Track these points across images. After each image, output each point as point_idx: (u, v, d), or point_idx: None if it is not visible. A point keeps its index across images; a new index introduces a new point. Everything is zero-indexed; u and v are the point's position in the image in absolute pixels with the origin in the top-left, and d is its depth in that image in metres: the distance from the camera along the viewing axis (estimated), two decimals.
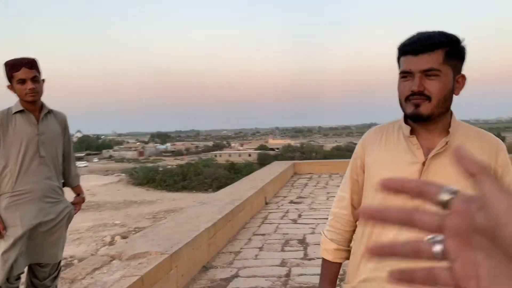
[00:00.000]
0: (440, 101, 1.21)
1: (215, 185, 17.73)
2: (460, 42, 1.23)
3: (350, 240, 1.43)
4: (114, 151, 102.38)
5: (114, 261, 4.03)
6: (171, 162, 39.31)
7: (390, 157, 1.30)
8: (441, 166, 1.23)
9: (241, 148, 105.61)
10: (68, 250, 6.01)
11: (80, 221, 9.02)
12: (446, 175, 1.20)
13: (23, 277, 2.48)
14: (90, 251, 6.82)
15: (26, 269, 2.45)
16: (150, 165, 29.68)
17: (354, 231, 1.41)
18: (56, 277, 2.57)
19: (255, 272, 4.53)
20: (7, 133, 2.36)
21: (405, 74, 1.23)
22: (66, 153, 2.67)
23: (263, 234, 6.15)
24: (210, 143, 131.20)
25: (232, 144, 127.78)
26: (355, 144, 1.40)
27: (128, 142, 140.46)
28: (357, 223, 1.40)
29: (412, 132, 1.28)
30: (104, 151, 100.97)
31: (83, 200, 2.83)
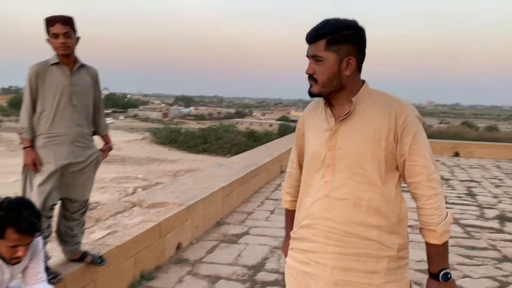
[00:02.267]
0: (325, 82, 1.42)
1: (234, 151, 18.04)
2: (342, 30, 1.39)
3: None
4: (139, 110, 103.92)
5: (135, 207, 4.36)
6: (193, 126, 39.85)
7: (315, 125, 1.52)
8: (347, 130, 1.42)
9: (262, 117, 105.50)
10: (94, 197, 6.39)
11: (105, 172, 9.49)
12: (349, 137, 1.43)
13: (57, 209, 2.78)
14: (113, 199, 7.25)
15: (59, 203, 2.75)
16: (173, 126, 30.20)
17: None
18: (84, 213, 2.86)
19: (265, 231, 4.81)
20: (44, 82, 2.61)
21: (308, 58, 1.45)
22: (96, 104, 2.92)
23: (276, 199, 6.41)
24: (232, 110, 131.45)
25: (254, 113, 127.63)
26: None
27: (153, 103, 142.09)
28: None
29: (330, 104, 1.48)
30: (129, 109, 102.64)
31: (110, 148, 3.08)
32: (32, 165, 2.51)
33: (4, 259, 1.84)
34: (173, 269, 3.70)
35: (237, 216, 5.47)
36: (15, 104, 44.83)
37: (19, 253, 1.81)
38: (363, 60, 1.46)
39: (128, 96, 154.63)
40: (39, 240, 2.05)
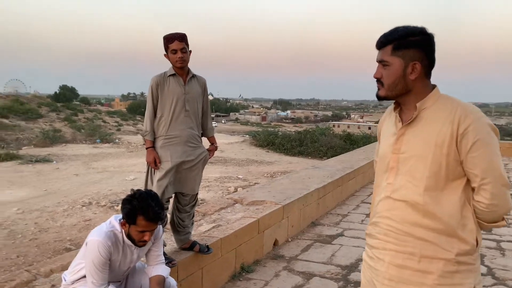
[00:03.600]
0: (390, 86, 1.49)
1: (330, 154, 17.90)
2: (409, 36, 1.45)
3: None
4: (240, 114, 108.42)
5: (236, 204, 4.72)
6: (290, 129, 40.39)
7: (387, 128, 1.60)
8: (411, 135, 1.47)
9: (360, 120, 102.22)
10: (200, 194, 6.94)
11: (210, 172, 10.21)
12: (412, 141, 1.46)
13: (171, 202, 3.20)
14: (217, 197, 7.81)
15: (173, 196, 3.16)
16: (271, 129, 31.01)
17: None
18: (193, 206, 3.25)
19: (360, 234, 4.81)
20: (163, 91, 3.05)
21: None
22: (204, 110, 3.30)
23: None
24: (329, 113, 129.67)
25: (352, 116, 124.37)
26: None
27: (253, 107, 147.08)
28: None
29: (400, 109, 1.54)
30: (231, 113, 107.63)
31: (215, 148, 3.44)
32: (153, 163, 2.94)
33: (133, 242, 2.22)
34: (270, 264, 3.94)
35: (332, 218, 5.55)
36: (132, 110, 50.00)
37: (146, 237, 2.16)
38: (432, 66, 1.49)
39: (230, 101, 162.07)
40: (160, 227, 2.41)
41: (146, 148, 3.00)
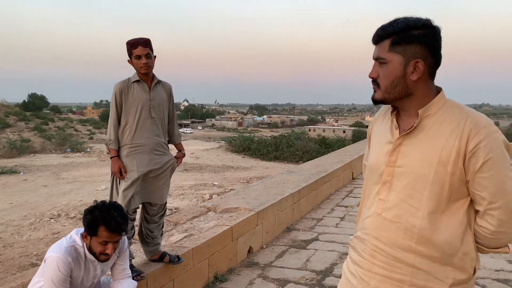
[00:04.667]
0: (388, 87, 1.28)
1: (306, 158, 18.00)
2: (410, 29, 1.24)
3: None
4: (216, 120, 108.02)
5: (209, 212, 4.61)
6: (266, 133, 40.48)
7: (380, 134, 1.39)
8: (410, 146, 1.27)
9: (335, 124, 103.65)
10: (174, 203, 6.80)
11: (184, 179, 10.06)
12: (411, 155, 1.26)
13: (138, 213, 3.08)
14: (191, 205, 7.67)
15: (140, 206, 3.04)
16: (247, 135, 30.99)
17: None
18: (162, 215, 3.13)
19: (334, 238, 4.79)
20: (127, 98, 2.93)
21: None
22: (171, 116, 3.20)
23: (346, 206, 6.33)
24: (305, 117, 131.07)
25: (327, 120, 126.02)
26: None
27: (229, 113, 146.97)
28: None
29: (398, 114, 1.34)
30: (207, 120, 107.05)
31: (183, 155, 3.34)
32: (118, 173, 2.82)
33: (95, 256, 2.10)
34: (245, 272, 3.86)
35: (306, 222, 5.51)
36: (105, 117, 49.02)
37: (108, 250, 2.06)
38: (438, 65, 1.29)
39: (206, 107, 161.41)
40: (125, 240, 2.30)
41: (111, 158, 2.88)
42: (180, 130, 3.38)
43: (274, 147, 21.62)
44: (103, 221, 2.01)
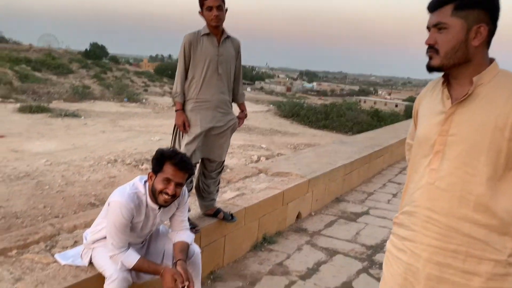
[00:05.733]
0: (448, 53, 1.27)
1: (356, 129, 17.59)
2: None
3: None
4: (265, 83, 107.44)
5: (261, 174, 4.64)
6: (315, 101, 39.80)
7: (430, 107, 1.38)
8: (464, 114, 1.26)
9: (388, 97, 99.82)
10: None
11: (233, 139, 10.16)
12: (465, 123, 1.25)
13: (197, 168, 3.13)
14: (240, 164, 7.78)
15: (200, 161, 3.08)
16: (296, 100, 30.63)
17: None
18: (220, 172, 3.17)
19: (386, 214, 4.68)
20: (196, 51, 2.90)
21: (428, 31, 1.32)
22: (237, 74, 3.15)
23: (399, 183, 6.15)
24: (356, 88, 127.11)
25: (379, 92, 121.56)
26: None
27: (278, 77, 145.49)
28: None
29: (449, 84, 1.32)
30: (256, 82, 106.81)
31: (245, 116, 3.30)
32: (182, 126, 2.85)
33: (156, 199, 2.13)
34: (293, 237, 3.88)
35: (356, 195, 5.42)
36: (160, 71, 50.12)
37: (170, 189, 2.06)
38: (494, 32, 1.27)
39: (256, 69, 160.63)
40: (185, 193, 2.34)
41: (176, 110, 2.90)
42: None
43: (324, 115, 21.22)
44: (170, 157, 2.07)
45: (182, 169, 2.08)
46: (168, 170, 2.06)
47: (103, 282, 2.02)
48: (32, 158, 8.37)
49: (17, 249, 2.33)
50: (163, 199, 2.09)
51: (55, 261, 2.23)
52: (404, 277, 1.36)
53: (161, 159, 2.08)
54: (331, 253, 3.57)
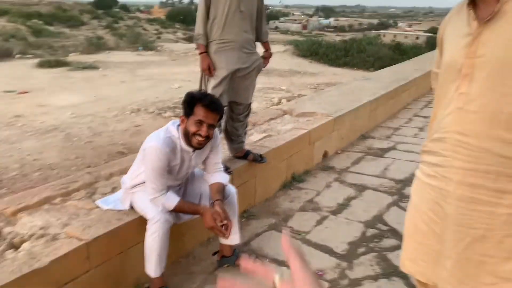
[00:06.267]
0: None
1: (378, 64, 17.06)
2: None
3: None
4: (280, 22, 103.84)
5: (286, 115, 4.61)
6: (333, 38, 38.44)
7: (455, 30, 1.33)
8: (491, 34, 1.21)
9: (408, 29, 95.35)
10: None
11: None
12: (493, 42, 1.21)
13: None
14: (261, 107, 7.76)
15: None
16: (313, 39, 29.65)
17: None
18: (247, 115, 3.16)
19: (413, 148, 4.65)
20: None
21: None
22: (259, 11, 3.03)
23: (425, 117, 6.04)
24: (375, 21, 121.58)
25: (399, 24, 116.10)
26: None
27: (293, 14, 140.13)
28: None
29: (475, 6, 1.27)
30: (271, 21, 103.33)
31: (270, 55, 3.21)
32: (207, 70, 2.81)
33: (189, 141, 2.14)
34: (321, 175, 3.93)
35: (382, 131, 5.38)
36: (172, 17, 48.93)
37: (203, 131, 2.08)
38: None
39: (270, 7, 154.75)
40: (217, 135, 2.36)
41: (200, 54, 2.85)
42: None
43: (344, 52, 20.56)
44: (200, 99, 2.08)
45: (213, 111, 2.09)
46: (200, 112, 2.07)
47: (144, 225, 2.11)
48: (58, 112, 8.54)
49: (61, 197, 2.44)
50: (197, 141, 2.11)
51: (97, 207, 2.33)
52: (435, 201, 1.38)
53: (191, 101, 2.09)
54: (360, 188, 3.61)
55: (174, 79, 12.51)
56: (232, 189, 2.42)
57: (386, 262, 2.56)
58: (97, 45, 21.82)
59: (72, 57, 18.00)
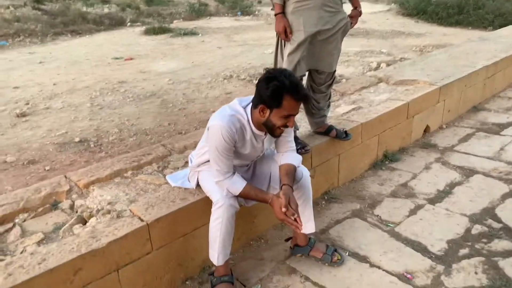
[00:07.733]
0: None
1: (498, 23, 14.68)
2: None
3: None
4: None
5: (381, 83, 4.10)
6: None
7: None
8: None
9: None
10: (338, 70, 6.42)
11: (349, 45, 9.37)
12: None
13: (304, 80, 2.80)
14: (357, 73, 7.17)
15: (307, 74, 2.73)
16: None
17: None
18: (330, 85, 2.78)
19: None
20: None
21: None
22: None
23: None
24: None
25: None
26: None
27: None
28: None
29: None
30: None
31: (359, 13, 2.73)
32: (284, 33, 2.48)
33: (271, 130, 1.88)
34: (419, 154, 3.42)
35: (500, 102, 4.54)
36: None
37: (290, 123, 1.83)
38: None
39: None
40: None
41: (275, 15, 2.53)
42: None
43: (457, 9, 18.12)
44: (292, 89, 1.74)
45: (304, 102, 1.86)
46: (290, 105, 1.77)
47: (211, 205, 1.96)
48: (157, 78, 8.93)
49: (132, 170, 2.41)
50: (280, 132, 1.89)
51: (166, 183, 2.24)
52: None
53: (279, 91, 1.75)
54: (468, 173, 3.05)
55: (268, 44, 12.22)
56: (304, 171, 2.14)
57: (496, 271, 2.08)
58: (198, 11, 22.37)
59: (175, 24, 18.71)
